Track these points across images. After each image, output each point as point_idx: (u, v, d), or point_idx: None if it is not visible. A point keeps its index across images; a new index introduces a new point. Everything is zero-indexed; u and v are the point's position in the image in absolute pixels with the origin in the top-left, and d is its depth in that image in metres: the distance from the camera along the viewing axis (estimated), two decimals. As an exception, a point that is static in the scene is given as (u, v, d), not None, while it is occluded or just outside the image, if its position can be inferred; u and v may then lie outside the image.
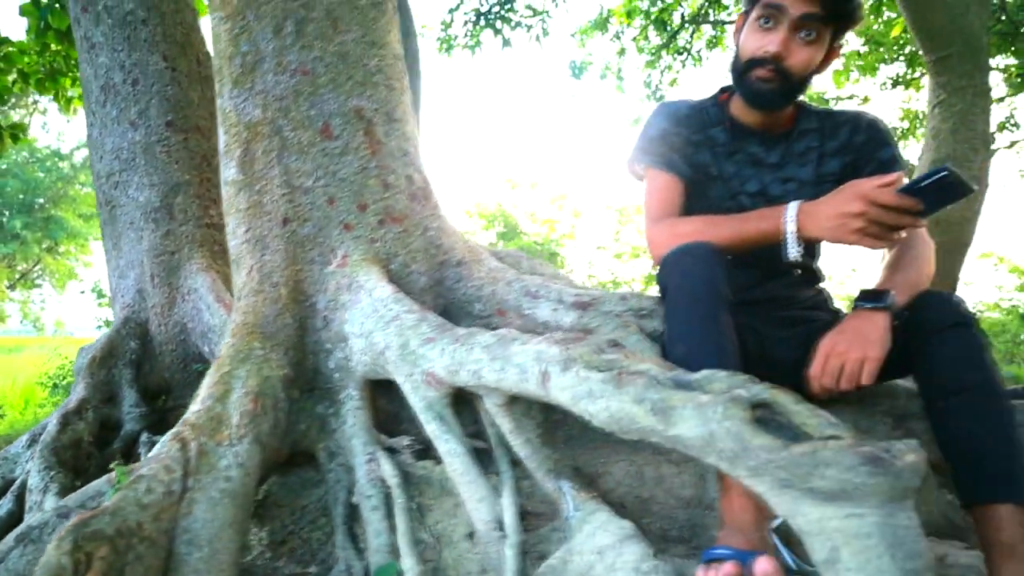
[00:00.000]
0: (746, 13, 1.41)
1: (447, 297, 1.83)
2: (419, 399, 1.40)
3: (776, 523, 1.29)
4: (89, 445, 2.12)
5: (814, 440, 0.88)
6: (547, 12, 7.06)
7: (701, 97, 1.58)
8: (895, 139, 1.53)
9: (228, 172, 1.71)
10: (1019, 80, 7.90)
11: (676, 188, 1.48)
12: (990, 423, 1.13)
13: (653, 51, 10.82)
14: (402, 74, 1.86)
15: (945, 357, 1.17)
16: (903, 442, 0.84)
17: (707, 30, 10.42)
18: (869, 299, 1.23)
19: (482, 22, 7.29)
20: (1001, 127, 10.55)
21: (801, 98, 1.57)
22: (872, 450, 0.81)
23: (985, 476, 1.11)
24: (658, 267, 1.37)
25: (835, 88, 10.44)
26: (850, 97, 11.29)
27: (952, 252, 4.82)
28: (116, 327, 2.46)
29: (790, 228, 1.23)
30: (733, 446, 0.91)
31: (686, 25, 10.05)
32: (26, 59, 4.85)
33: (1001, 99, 9.53)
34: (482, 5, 7.16)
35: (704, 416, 0.94)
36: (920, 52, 5.14)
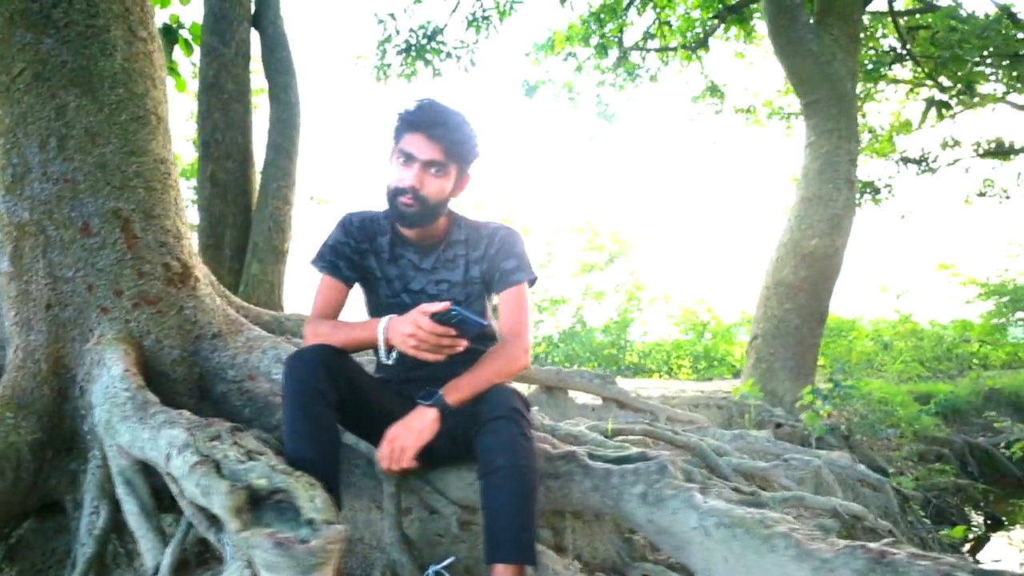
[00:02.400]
0: (393, 149, 1.73)
1: (202, 366, 2.15)
2: (115, 466, 1.72)
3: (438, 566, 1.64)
4: None
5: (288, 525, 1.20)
6: (474, 43, 7.37)
7: (383, 208, 1.90)
8: (525, 248, 1.84)
9: (1, 265, 2.03)
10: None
11: (336, 290, 1.80)
12: (508, 499, 1.44)
13: (605, 70, 11.15)
14: (165, 175, 2.17)
15: (485, 444, 1.49)
16: (325, 529, 1.16)
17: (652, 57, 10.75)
18: (424, 397, 1.55)
19: (413, 53, 7.61)
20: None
21: (461, 213, 1.90)
22: (284, 537, 1.13)
23: (496, 541, 1.42)
24: None
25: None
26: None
27: (818, 284, 5.14)
28: None
29: (380, 338, 1.55)
30: (231, 523, 1.23)
31: (628, 53, 10.38)
32: None
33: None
34: (412, 37, 7.48)
35: (220, 497, 1.26)
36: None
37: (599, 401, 3.64)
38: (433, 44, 7.55)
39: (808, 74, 5.16)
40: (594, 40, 10.25)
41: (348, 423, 1.69)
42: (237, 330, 2.22)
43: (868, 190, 13.04)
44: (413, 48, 7.50)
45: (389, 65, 7.80)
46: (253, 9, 4.41)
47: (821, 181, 5.08)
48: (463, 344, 1.52)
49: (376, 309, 1.88)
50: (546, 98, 11.38)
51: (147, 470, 1.73)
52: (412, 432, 1.49)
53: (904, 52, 7.33)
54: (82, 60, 2.02)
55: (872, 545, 1.23)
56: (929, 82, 7.71)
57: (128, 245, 2.05)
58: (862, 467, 3.51)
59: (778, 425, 4.67)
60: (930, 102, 6.94)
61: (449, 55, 7.73)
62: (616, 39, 9.85)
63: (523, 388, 4.45)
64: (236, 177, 4.09)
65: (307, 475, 1.34)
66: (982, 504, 5.47)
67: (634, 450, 1.89)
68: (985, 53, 7.88)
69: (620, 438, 2.82)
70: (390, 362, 1.58)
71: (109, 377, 1.89)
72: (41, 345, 2.00)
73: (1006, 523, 5.47)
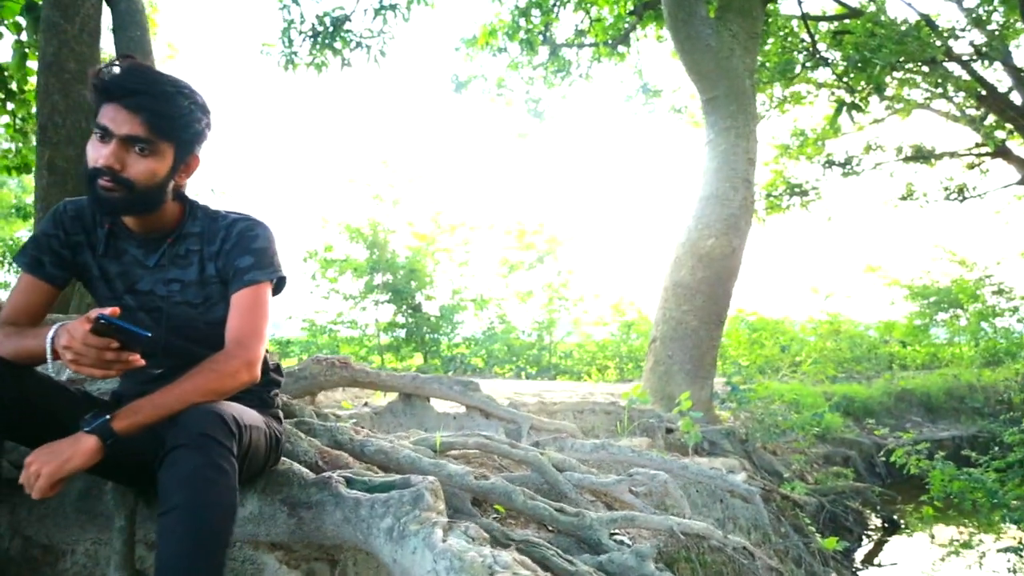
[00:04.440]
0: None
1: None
2: None
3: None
4: None
5: None
6: (380, 33, 7.07)
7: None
8: (271, 244, 1.60)
9: None
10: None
11: (37, 291, 1.52)
12: (179, 545, 1.19)
13: (536, 67, 10.98)
14: None
15: (165, 477, 1.24)
16: None
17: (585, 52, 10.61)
18: (87, 422, 1.29)
19: (320, 41, 7.27)
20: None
21: (203, 201, 1.64)
22: None
23: None
24: None
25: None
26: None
27: (716, 285, 5.01)
28: None
29: (48, 350, 1.29)
30: None
31: (558, 49, 10.22)
32: None
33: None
34: (318, 25, 7.14)
35: None
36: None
37: (462, 409, 3.41)
38: (341, 33, 7.22)
39: (707, 70, 5.04)
40: (521, 35, 10.08)
41: (30, 443, 1.40)
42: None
43: (796, 192, 13.23)
44: (319, 36, 7.16)
45: (295, 53, 7.44)
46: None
47: (718, 180, 4.96)
48: (136, 359, 1.27)
49: None
50: (476, 94, 11.18)
51: None
52: (56, 458, 1.22)
53: (814, 54, 7.33)
54: None
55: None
56: (842, 83, 7.74)
57: None
58: (733, 477, 3.37)
59: (669, 431, 4.52)
60: (840, 104, 6.94)
61: (359, 45, 7.43)
62: (541, 35, 9.68)
63: (379, 396, 4.20)
64: (77, 165, 3.72)
65: None
66: (879, 508, 5.45)
67: (397, 477, 1.66)
68: (902, 59, 8.00)
69: (453, 453, 2.59)
70: (63, 378, 1.32)
71: None
72: None
73: (904, 527, 5.46)
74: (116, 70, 1.37)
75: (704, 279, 4.96)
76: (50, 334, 1.29)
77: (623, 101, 11.74)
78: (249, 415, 1.45)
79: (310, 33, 7.23)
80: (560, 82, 11.06)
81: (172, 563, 1.18)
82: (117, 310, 1.24)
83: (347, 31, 7.18)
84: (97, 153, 1.40)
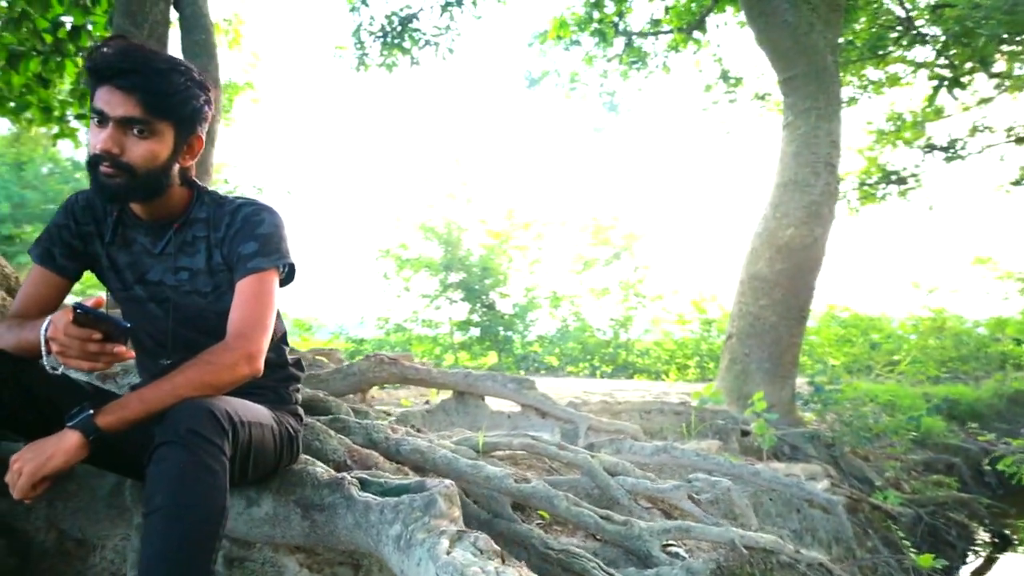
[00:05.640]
0: None
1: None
2: None
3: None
4: None
5: None
6: (446, 29, 7.04)
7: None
8: (278, 230, 1.51)
9: None
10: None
11: (47, 283, 1.49)
12: (159, 548, 1.11)
13: (611, 59, 10.73)
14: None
15: (150, 476, 1.16)
16: None
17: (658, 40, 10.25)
18: (70, 417, 1.22)
19: (390, 41, 7.32)
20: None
21: (211, 187, 1.58)
22: None
23: None
24: None
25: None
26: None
27: (796, 278, 4.67)
28: None
29: (42, 341, 1.24)
30: None
31: (632, 38, 9.92)
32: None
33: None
34: (387, 25, 7.19)
35: None
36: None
37: (518, 408, 3.28)
38: (409, 31, 7.24)
39: (784, 47, 4.69)
40: (593, 27, 9.84)
41: (34, 438, 1.36)
42: None
43: (893, 180, 12.36)
44: (389, 35, 7.20)
45: (367, 54, 7.52)
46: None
47: (798, 165, 4.61)
48: (122, 350, 1.20)
49: (118, 306, 1.58)
50: (550, 89, 11.01)
51: None
52: (40, 456, 1.17)
53: (909, 28, 6.76)
54: None
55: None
56: (942, 60, 7.11)
57: None
58: (812, 484, 3.08)
59: (744, 433, 4.23)
60: (939, 80, 6.35)
61: (428, 43, 7.43)
62: (613, 24, 9.41)
63: (435, 395, 4.11)
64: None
65: None
66: (987, 521, 4.93)
67: (413, 480, 1.54)
68: (1012, 31, 7.27)
69: (499, 454, 2.46)
70: (59, 371, 1.27)
71: None
72: None
73: (1016, 543, 4.92)
74: (107, 51, 1.32)
75: (783, 271, 4.62)
76: (43, 326, 1.24)
77: (702, 91, 11.30)
78: (251, 411, 1.37)
79: (380, 34, 7.28)
80: (636, 73, 10.75)
81: (154, 567, 1.11)
82: (102, 300, 1.18)
83: (415, 30, 7.19)
84: (96, 139, 1.35)
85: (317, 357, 3.89)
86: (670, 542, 2.11)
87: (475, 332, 10.26)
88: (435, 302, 10.21)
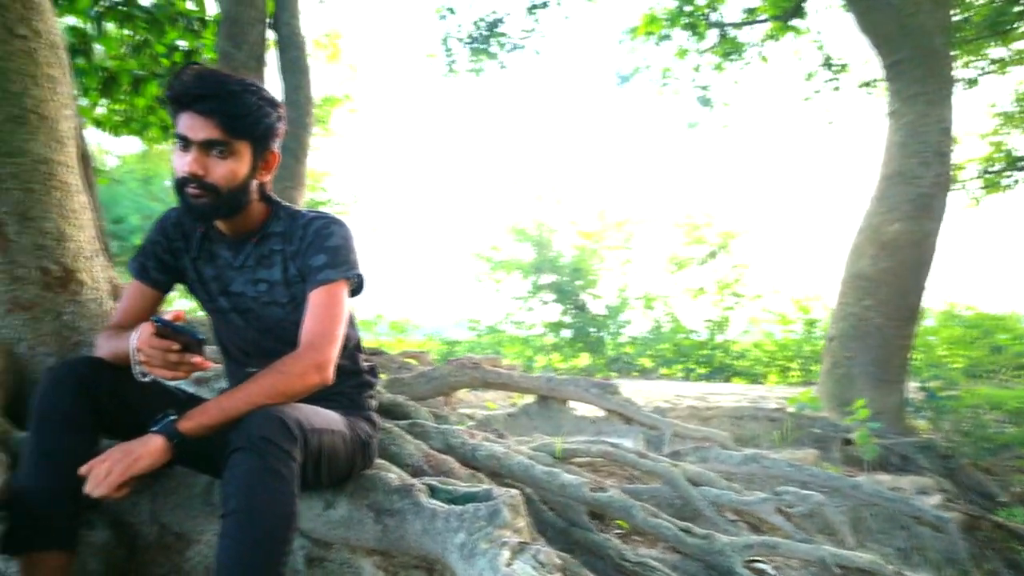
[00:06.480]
0: None
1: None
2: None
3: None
4: None
5: None
6: (531, 31, 7.06)
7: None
8: (347, 242, 1.55)
9: None
10: None
11: (142, 296, 1.60)
12: (234, 551, 1.17)
13: (703, 51, 10.43)
14: (48, 176, 2.08)
15: (225, 480, 1.22)
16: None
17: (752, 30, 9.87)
18: (155, 422, 1.30)
19: (477, 46, 7.42)
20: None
21: (285, 202, 1.64)
22: None
23: None
24: None
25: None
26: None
27: (903, 276, 4.37)
28: None
29: (132, 351, 1.33)
30: None
31: (725, 29, 9.59)
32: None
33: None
34: (474, 31, 7.29)
35: None
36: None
37: (602, 413, 3.23)
38: (496, 35, 7.32)
39: (888, 31, 4.39)
40: (684, 20, 9.59)
41: (127, 439, 1.47)
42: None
43: (1021, 166, 11.34)
44: (476, 40, 7.31)
45: (455, 60, 7.66)
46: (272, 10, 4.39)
47: (904, 155, 4.30)
48: (201, 362, 1.27)
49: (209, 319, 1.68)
50: (642, 86, 10.84)
51: None
52: (127, 457, 1.25)
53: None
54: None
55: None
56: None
57: (1, 249, 1.97)
58: (920, 499, 2.87)
59: (846, 442, 3.99)
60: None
61: (515, 47, 7.48)
62: (704, 17, 9.14)
63: (518, 399, 4.11)
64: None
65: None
66: None
67: (481, 488, 1.54)
68: None
69: (577, 460, 2.43)
70: (148, 379, 1.36)
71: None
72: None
73: None
74: (184, 79, 1.40)
75: (888, 269, 4.33)
76: (133, 337, 1.33)
77: (803, 80, 10.77)
78: (323, 417, 1.42)
79: (468, 39, 7.40)
80: (731, 65, 10.40)
81: (226, 568, 1.17)
82: (181, 313, 1.25)
83: (501, 34, 7.26)
84: (181, 162, 1.44)
85: (406, 359, 3.99)
86: (755, 558, 2.02)
87: (567, 333, 10.23)
88: (527, 304, 10.27)
